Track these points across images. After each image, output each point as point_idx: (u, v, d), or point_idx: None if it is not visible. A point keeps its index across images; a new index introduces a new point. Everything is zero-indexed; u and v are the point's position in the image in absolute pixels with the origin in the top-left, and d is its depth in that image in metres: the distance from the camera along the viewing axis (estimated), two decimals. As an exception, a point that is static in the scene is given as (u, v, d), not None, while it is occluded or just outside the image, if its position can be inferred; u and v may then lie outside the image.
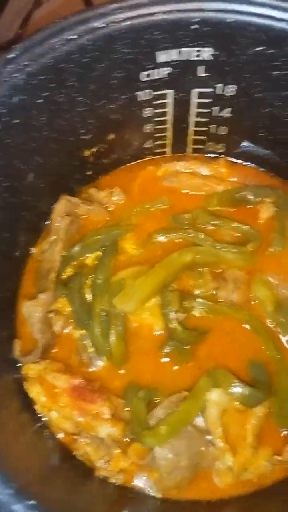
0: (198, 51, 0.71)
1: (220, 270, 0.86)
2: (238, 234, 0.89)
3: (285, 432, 0.76)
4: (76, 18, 0.66)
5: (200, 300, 0.83)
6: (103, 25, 0.66)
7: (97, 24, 0.66)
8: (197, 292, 0.85)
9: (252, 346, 0.81)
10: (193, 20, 0.66)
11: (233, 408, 0.76)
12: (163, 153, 0.97)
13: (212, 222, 0.89)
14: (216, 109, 0.82)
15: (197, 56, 0.72)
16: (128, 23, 0.66)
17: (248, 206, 0.91)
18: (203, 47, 0.70)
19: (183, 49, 0.71)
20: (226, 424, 0.75)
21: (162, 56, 0.72)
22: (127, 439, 0.76)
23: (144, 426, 0.74)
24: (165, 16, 0.66)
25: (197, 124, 0.87)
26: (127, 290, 0.82)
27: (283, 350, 0.80)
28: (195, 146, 0.94)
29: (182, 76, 0.76)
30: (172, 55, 0.72)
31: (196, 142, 0.93)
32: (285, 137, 0.81)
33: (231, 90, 0.77)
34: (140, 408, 0.76)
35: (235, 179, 0.93)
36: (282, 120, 0.78)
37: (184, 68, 0.74)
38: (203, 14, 0.66)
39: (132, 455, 0.75)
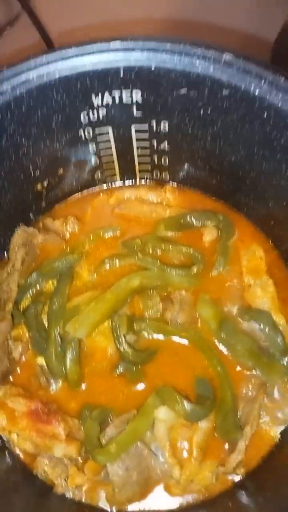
0: (128, 94, 0.76)
1: (168, 293, 0.91)
2: (184, 258, 0.94)
3: (227, 444, 0.80)
4: (10, 71, 0.71)
5: (149, 321, 0.88)
6: (35, 77, 0.71)
7: (30, 76, 0.71)
8: (146, 314, 0.89)
9: (198, 363, 0.85)
10: (119, 69, 0.72)
11: (180, 423, 0.80)
12: (115, 181, 1.02)
13: (160, 247, 0.94)
14: (154, 142, 0.87)
15: (128, 98, 0.77)
16: (58, 74, 0.71)
17: (193, 230, 0.96)
18: (132, 91, 0.76)
19: (115, 93, 0.76)
20: (174, 439, 0.80)
21: (96, 100, 0.78)
22: (82, 457, 0.81)
23: (96, 445, 0.79)
24: (93, 67, 0.72)
25: (140, 155, 0.92)
26: (78, 316, 0.86)
27: (226, 365, 0.84)
28: (142, 175, 0.99)
29: (118, 115, 0.81)
30: (105, 98, 0.77)
31: (142, 171, 0.98)
32: (220, 167, 0.86)
33: (164, 127, 0.82)
34: (92, 427, 0.81)
35: (181, 205, 0.98)
36: (215, 153, 0.83)
37: (119, 109, 0.80)
38: (128, 64, 0.71)
39: (87, 472, 0.80)
